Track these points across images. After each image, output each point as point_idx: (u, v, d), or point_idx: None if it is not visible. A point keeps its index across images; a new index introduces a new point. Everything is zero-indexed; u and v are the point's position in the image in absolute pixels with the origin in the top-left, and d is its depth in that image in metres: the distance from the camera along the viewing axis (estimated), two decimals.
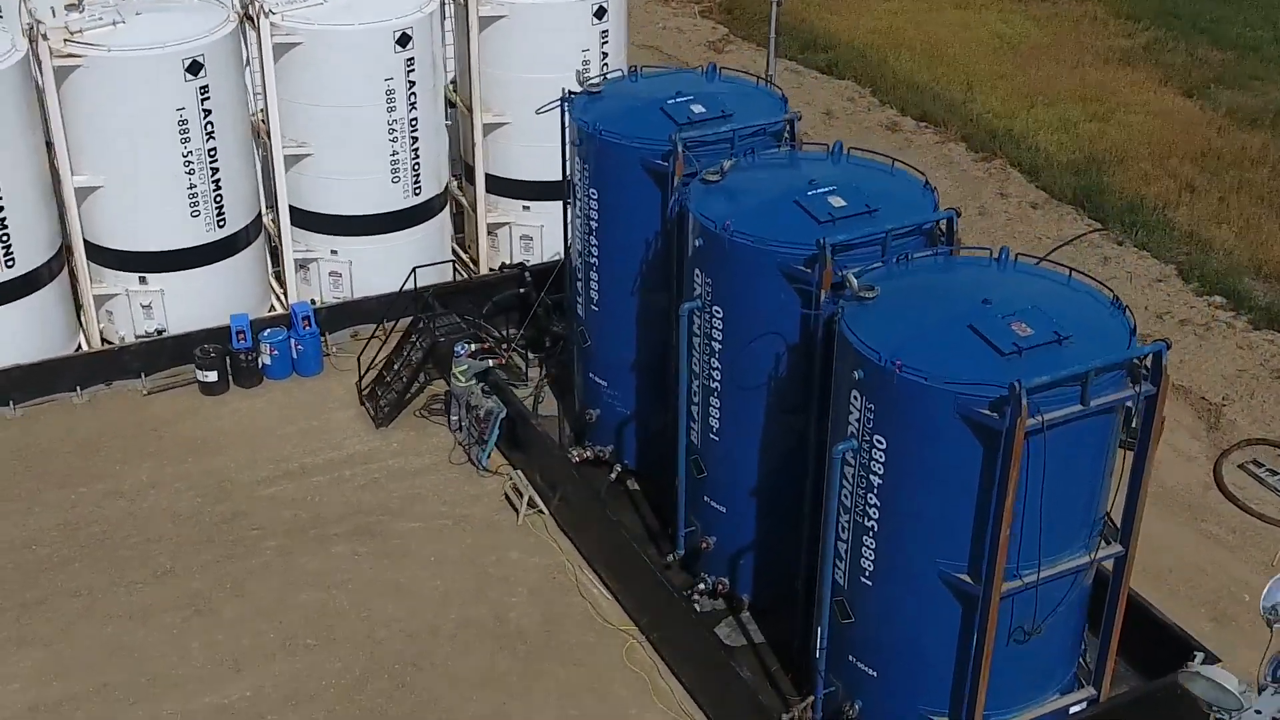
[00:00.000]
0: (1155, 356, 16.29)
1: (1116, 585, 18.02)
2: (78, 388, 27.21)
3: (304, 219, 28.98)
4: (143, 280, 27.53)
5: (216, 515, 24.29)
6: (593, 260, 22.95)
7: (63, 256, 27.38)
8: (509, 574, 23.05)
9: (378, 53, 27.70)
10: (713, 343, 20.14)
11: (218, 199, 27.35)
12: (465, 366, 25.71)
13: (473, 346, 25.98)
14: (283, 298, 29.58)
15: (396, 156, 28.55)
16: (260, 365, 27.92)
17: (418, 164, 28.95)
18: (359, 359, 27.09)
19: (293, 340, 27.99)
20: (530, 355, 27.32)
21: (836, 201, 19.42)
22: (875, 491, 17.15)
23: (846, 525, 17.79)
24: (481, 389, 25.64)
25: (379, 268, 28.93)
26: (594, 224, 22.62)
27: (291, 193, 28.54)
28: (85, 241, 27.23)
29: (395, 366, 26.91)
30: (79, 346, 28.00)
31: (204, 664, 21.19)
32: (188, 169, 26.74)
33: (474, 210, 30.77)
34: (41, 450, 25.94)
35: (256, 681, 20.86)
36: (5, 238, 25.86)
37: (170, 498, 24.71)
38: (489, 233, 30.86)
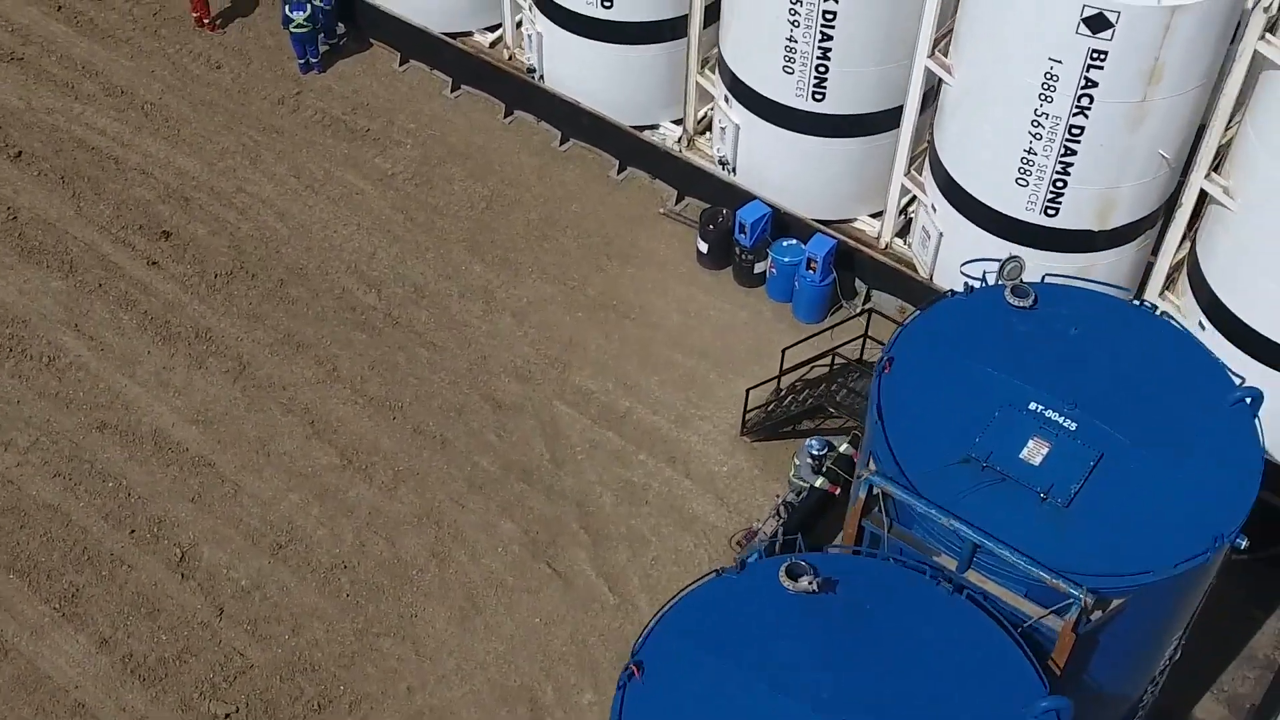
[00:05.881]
0: None
1: None
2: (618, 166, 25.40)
3: None
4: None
5: (536, 454, 22.23)
6: None
7: None
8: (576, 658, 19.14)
9: None
10: None
11: None
12: (797, 465, 19.93)
13: (829, 451, 19.84)
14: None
15: None
16: (758, 272, 23.54)
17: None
18: (780, 352, 21.53)
19: (796, 273, 23.09)
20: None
21: None
22: None
23: None
24: (783, 503, 19.84)
25: (972, 253, 21.24)
26: None
27: None
28: None
29: (796, 386, 21.45)
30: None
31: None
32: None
33: None
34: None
35: None
36: None
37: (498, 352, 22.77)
38: None
